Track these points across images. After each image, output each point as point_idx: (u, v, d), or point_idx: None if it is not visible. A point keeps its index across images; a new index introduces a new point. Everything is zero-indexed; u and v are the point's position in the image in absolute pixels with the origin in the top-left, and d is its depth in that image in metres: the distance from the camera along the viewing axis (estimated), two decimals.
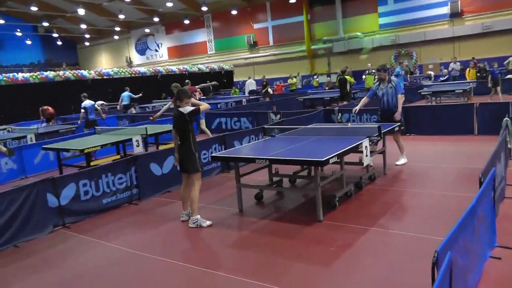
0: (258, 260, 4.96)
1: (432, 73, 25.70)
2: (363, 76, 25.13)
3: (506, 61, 22.76)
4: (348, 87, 17.27)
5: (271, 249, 5.20)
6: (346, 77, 16.96)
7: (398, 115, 8.50)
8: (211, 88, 18.37)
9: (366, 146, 6.68)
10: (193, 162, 6.14)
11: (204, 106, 6.62)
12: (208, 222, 6.11)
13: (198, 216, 6.13)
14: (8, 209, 5.95)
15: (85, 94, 13.93)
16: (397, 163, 8.75)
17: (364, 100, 9.12)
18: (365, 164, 7.01)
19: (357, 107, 8.97)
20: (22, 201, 6.11)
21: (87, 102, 13.41)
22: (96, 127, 12.45)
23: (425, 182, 7.49)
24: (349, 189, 6.93)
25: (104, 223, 6.73)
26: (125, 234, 6.18)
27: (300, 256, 4.94)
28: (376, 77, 9.02)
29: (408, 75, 20.27)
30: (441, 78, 24.77)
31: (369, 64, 22.08)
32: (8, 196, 6.00)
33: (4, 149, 9.13)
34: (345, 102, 16.46)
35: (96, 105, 14.00)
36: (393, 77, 8.85)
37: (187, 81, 15.12)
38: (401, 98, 8.52)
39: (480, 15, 27.52)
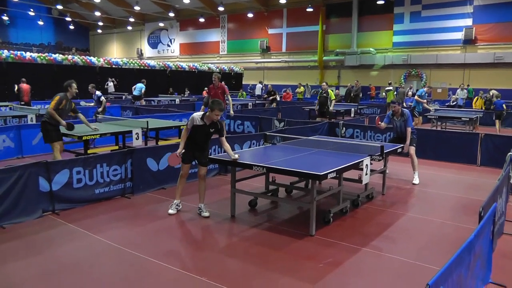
0: (243, 269, 4.84)
1: (456, 96, 24.88)
2: (383, 93, 25.60)
3: (489, 93, 22.63)
4: (330, 104, 15.36)
5: (258, 259, 5.08)
6: (329, 91, 15.49)
7: (406, 147, 8.81)
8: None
9: (367, 165, 6.57)
10: None
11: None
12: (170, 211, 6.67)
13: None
14: None
15: (93, 84, 13.92)
16: (414, 182, 9.02)
17: (383, 124, 9.33)
18: (364, 183, 6.91)
19: (382, 124, 9.30)
20: (13, 182, 6.00)
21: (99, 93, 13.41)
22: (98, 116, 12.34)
23: (424, 207, 7.37)
24: (345, 205, 6.82)
25: (93, 213, 6.62)
26: (113, 228, 6.06)
27: (287, 270, 4.82)
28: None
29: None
30: (448, 104, 24.66)
31: (390, 81, 27.33)
32: None
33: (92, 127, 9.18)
34: (324, 120, 14.93)
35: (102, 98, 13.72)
36: (405, 110, 9.20)
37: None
38: (410, 132, 8.93)
39: (493, 44, 27.43)
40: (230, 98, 12.48)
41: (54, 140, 8.54)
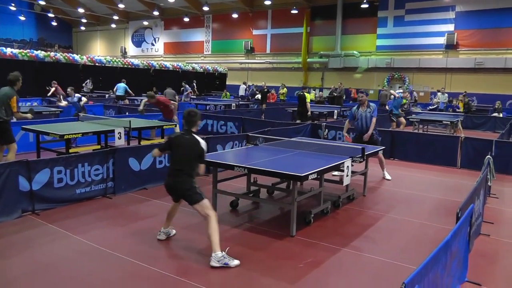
0: (224, 269, 4.84)
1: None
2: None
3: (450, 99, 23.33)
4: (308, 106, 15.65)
5: (239, 259, 5.09)
6: (306, 94, 15.68)
7: (367, 136, 9.02)
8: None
9: (348, 166, 6.64)
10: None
11: None
12: (236, 262, 4.96)
13: (224, 253, 4.97)
14: None
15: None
16: (387, 177, 9.46)
17: (347, 124, 9.59)
18: (345, 184, 6.98)
19: (345, 133, 9.69)
20: None
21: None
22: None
23: (404, 209, 7.47)
24: (326, 206, 6.88)
25: (74, 214, 6.56)
26: (94, 228, 6.02)
27: (267, 270, 4.86)
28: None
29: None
30: (430, 107, 24.99)
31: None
32: None
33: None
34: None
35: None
36: (371, 103, 9.32)
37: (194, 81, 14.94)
38: (375, 121, 9.10)
39: (474, 50, 27.85)
40: (176, 104, 13.00)
41: (14, 140, 8.19)
